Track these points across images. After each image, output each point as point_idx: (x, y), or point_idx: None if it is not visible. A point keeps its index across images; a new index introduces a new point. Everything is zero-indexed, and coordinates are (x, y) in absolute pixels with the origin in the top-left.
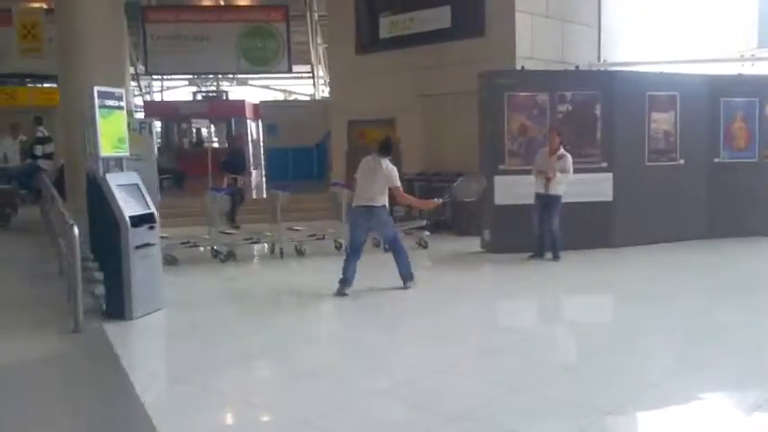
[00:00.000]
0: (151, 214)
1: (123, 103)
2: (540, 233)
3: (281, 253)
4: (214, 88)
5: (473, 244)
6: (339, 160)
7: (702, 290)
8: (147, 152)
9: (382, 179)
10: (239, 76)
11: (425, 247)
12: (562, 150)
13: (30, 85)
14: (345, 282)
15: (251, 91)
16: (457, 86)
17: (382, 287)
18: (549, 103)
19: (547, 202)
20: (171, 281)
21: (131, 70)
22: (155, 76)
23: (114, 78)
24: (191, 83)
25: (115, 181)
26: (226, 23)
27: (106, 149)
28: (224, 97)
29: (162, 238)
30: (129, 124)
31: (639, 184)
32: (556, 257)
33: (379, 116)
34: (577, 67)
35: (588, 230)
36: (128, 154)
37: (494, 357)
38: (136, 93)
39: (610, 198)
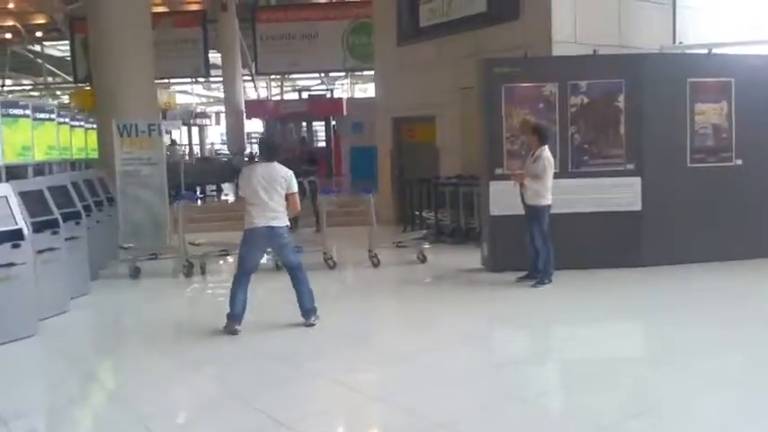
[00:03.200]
0: (18, 231)
1: (29, 111)
2: (532, 250)
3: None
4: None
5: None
6: (385, 160)
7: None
8: (158, 155)
9: (283, 188)
10: (365, 73)
11: (423, 261)
12: (539, 151)
13: None
14: (233, 318)
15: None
16: None
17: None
18: (559, 94)
19: (527, 213)
20: (96, 300)
21: (244, 71)
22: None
23: (142, 82)
24: (322, 82)
25: None
26: (333, 21)
27: (9, 157)
28: (328, 96)
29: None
30: (135, 126)
31: (678, 190)
32: (543, 281)
33: (420, 113)
34: (595, 51)
35: (609, 247)
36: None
37: None
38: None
39: (638, 207)
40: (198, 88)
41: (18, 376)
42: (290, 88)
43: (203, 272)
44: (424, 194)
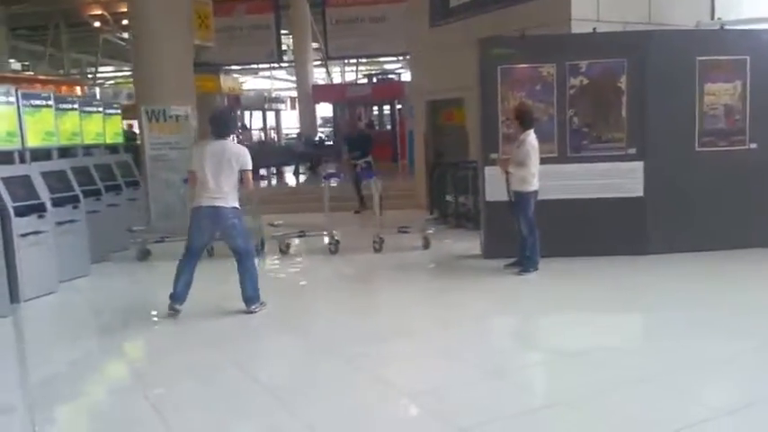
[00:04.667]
0: None
1: (12, 99)
2: (520, 237)
3: (256, 251)
4: None
5: None
6: (420, 144)
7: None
8: (186, 140)
9: (234, 167)
10: None
11: (427, 246)
12: (523, 136)
13: None
14: (174, 298)
15: None
16: None
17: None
18: (557, 75)
19: (513, 199)
20: (91, 283)
21: (315, 55)
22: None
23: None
24: (402, 66)
25: None
26: (400, 3)
27: None
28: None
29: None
30: (163, 111)
31: (685, 175)
32: (528, 268)
33: (451, 95)
34: (594, 29)
35: (609, 234)
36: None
37: None
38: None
39: (639, 193)
40: (280, 73)
41: None
42: (377, 70)
43: (210, 254)
44: (449, 178)
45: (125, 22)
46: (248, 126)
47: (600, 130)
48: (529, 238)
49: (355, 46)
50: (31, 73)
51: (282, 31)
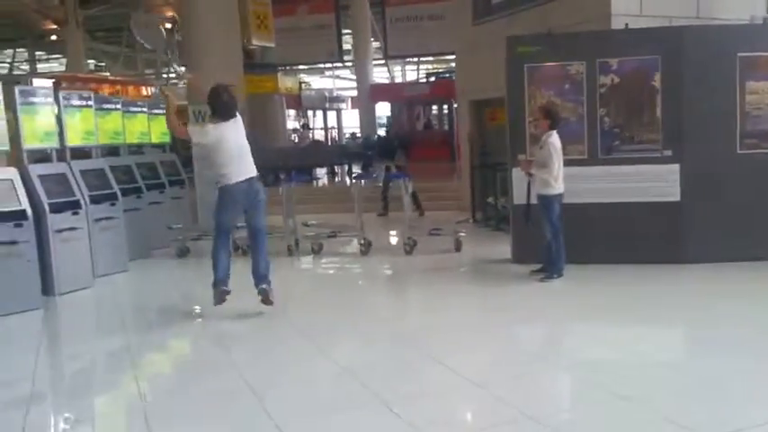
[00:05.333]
0: (21, 212)
1: (50, 99)
2: (545, 242)
3: (290, 250)
4: None
5: None
6: (464, 145)
7: None
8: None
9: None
10: None
11: (458, 249)
12: (546, 136)
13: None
14: (219, 282)
15: None
16: None
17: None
18: (587, 74)
19: (537, 203)
20: (127, 278)
21: (376, 54)
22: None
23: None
24: None
25: None
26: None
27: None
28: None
29: None
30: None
31: (725, 179)
32: (551, 275)
33: (492, 95)
34: (627, 24)
35: (643, 241)
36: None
37: None
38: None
39: (676, 198)
40: (345, 72)
41: None
42: (443, 68)
43: (244, 253)
44: (489, 180)
45: None
46: (309, 125)
47: (633, 130)
48: (553, 242)
49: (415, 44)
50: (107, 74)
51: (344, 31)
